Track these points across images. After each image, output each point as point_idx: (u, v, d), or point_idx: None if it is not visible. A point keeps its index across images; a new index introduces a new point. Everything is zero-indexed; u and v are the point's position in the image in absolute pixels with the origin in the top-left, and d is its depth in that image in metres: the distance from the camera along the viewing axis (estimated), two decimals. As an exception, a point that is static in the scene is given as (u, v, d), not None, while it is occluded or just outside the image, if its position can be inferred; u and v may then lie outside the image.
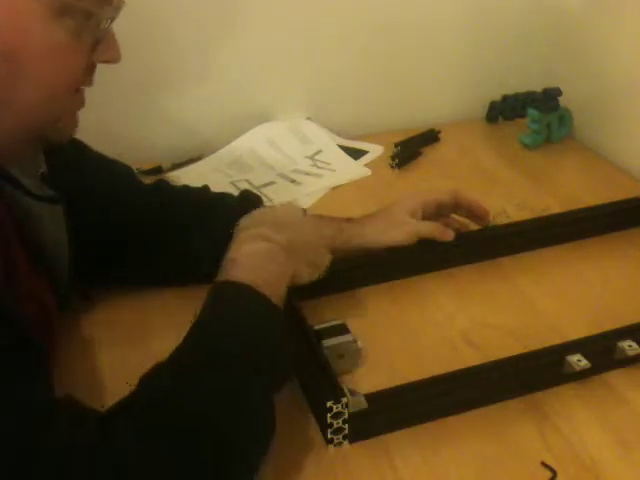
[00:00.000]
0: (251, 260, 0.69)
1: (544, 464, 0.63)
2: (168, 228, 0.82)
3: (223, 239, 0.82)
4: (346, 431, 0.64)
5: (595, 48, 1.20)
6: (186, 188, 0.88)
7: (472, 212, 0.90)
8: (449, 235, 0.87)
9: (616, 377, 0.72)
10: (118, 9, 0.60)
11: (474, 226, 0.92)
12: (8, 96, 0.55)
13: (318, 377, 0.66)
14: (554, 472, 0.62)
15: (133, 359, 0.75)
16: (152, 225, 0.81)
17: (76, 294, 0.79)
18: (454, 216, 0.92)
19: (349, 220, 0.87)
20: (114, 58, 0.63)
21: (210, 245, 0.82)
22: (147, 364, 0.74)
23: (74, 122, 0.65)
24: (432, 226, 0.87)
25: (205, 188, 0.88)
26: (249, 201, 0.86)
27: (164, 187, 0.87)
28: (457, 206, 0.90)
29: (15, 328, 0.53)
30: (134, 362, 0.75)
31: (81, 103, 0.64)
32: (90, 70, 0.62)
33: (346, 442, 0.66)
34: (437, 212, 0.90)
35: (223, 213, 0.83)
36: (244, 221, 0.76)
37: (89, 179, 0.81)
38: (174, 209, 0.84)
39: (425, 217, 0.88)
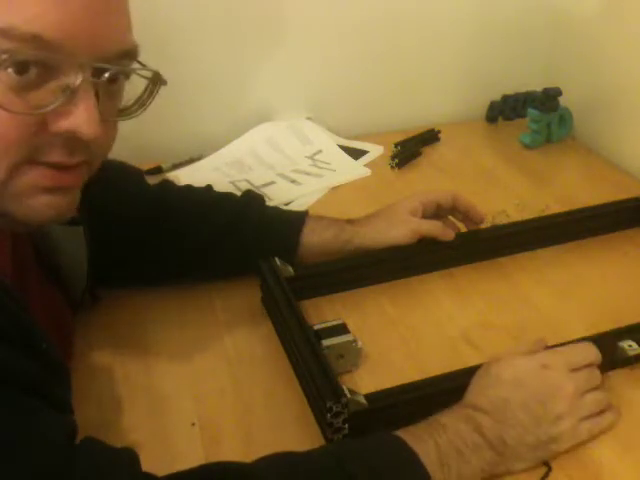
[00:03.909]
0: (450, 450, 0.58)
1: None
2: (171, 228, 0.82)
3: (225, 239, 0.82)
4: (346, 431, 0.64)
5: (595, 48, 1.20)
6: (190, 187, 0.88)
7: (468, 216, 0.90)
8: (450, 234, 0.87)
9: (616, 377, 0.72)
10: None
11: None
12: None
13: (318, 377, 0.66)
14: (549, 467, 0.62)
15: (133, 359, 0.76)
16: (156, 225, 0.81)
17: (86, 295, 0.78)
18: (450, 218, 0.92)
19: (350, 221, 0.87)
20: (70, 128, 0.48)
21: (212, 245, 0.82)
22: (147, 364, 0.75)
23: (40, 202, 0.51)
24: (433, 225, 0.87)
25: (209, 187, 0.88)
26: (252, 200, 0.86)
27: (168, 187, 0.87)
28: (454, 208, 0.90)
29: (43, 352, 0.51)
30: (134, 362, 0.75)
31: (44, 177, 0.50)
32: (47, 135, 0.48)
33: (346, 442, 0.66)
34: (435, 213, 0.90)
35: (227, 212, 0.83)
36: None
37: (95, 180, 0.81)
38: (178, 209, 0.84)
39: (424, 217, 0.88)
